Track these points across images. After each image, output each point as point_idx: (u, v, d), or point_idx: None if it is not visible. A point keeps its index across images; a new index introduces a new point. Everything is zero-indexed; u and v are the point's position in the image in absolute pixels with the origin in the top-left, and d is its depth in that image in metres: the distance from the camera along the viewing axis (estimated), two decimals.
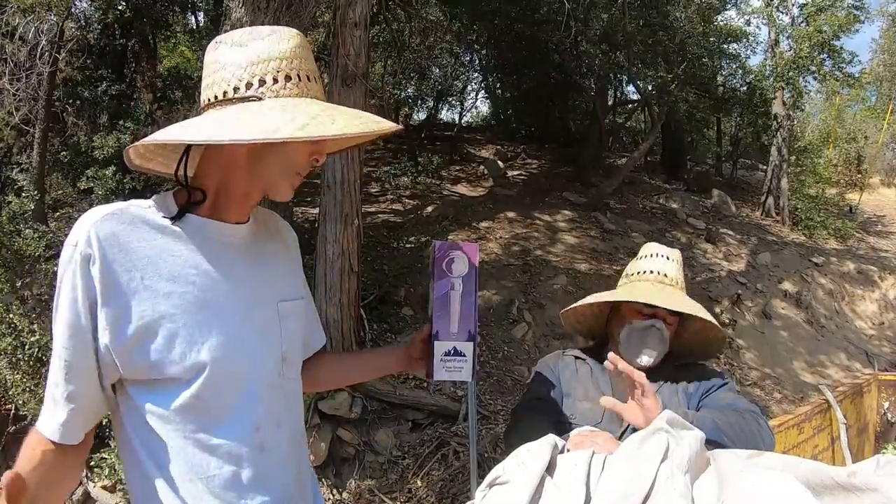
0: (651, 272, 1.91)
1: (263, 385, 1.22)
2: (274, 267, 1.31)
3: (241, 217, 1.25)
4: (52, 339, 1.13)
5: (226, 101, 1.12)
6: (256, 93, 1.11)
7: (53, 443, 1.15)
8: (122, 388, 1.16)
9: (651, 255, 1.95)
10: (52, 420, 1.14)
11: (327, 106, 1.13)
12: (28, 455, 1.15)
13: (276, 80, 1.12)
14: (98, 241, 1.06)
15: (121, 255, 1.08)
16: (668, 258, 1.92)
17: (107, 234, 1.07)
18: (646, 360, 1.82)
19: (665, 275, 1.89)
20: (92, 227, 1.07)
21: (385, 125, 1.13)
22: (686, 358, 1.95)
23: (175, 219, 1.15)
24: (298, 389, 1.37)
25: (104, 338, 1.09)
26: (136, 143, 1.12)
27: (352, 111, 1.14)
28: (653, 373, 1.88)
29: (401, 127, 1.20)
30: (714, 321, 1.82)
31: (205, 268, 1.16)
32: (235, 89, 1.12)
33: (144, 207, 1.15)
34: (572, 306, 1.98)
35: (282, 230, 1.42)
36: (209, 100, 1.15)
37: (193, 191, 1.18)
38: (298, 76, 1.14)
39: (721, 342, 1.96)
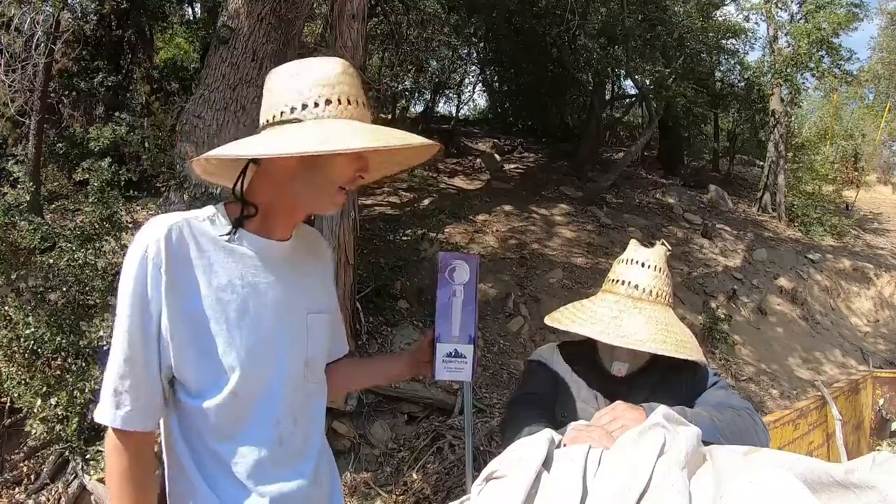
0: (623, 283, 1.85)
1: (287, 385, 1.36)
2: (307, 281, 1.45)
3: (285, 234, 1.39)
4: (111, 334, 1.26)
5: (274, 123, 1.27)
6: (299, 115, 1.24)
7: (134, 433, 1.27)
8: (171, 391, 1.31)
9: (628, 262, 1.88)
10: (120, 410, 1.25)
11: (360, 124, 1.25)
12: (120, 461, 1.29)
13: (316, 104, 1.24)
14: (168, 249, 1.22)
15: (184, 263, 1.25)
16: (643, 265, 1.85)
17: (174, 243, 1.23)
18: (616, 370, 1.84)
19: (636, 286, 1.82)
20: (162, 235, 1.22)
21: (413, 140, 1.24)
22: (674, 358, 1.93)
23: (229, 234, 1.30)
24: (321, 392, 1.51)
25: (166, 332, 1.23)
26: (198, 158, 1.27)
27: (387, 129, 1.25)
28: (642, 375, 1.88)
29: (438, 145, 1.32)
30: (672, 352, 1.71)
31: (248, 280, 1.31)
32: (282, 113, 1.26)
33: (201, 221, 1.30)
34: (552, 320, 1.91)
35: (320, 249, 1.57)
36: (263, 123, 1.30)
37: (247, 206, 1.32)
38: (339, 100, 1.26)
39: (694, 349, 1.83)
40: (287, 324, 1.36)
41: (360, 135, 1.20)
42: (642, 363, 1.85)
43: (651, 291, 1.81)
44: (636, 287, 1.82)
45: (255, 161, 1.33)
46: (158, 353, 1.25)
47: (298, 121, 1.24)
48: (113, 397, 1.25)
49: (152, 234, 1.23)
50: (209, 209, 1.34)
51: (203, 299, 1.26)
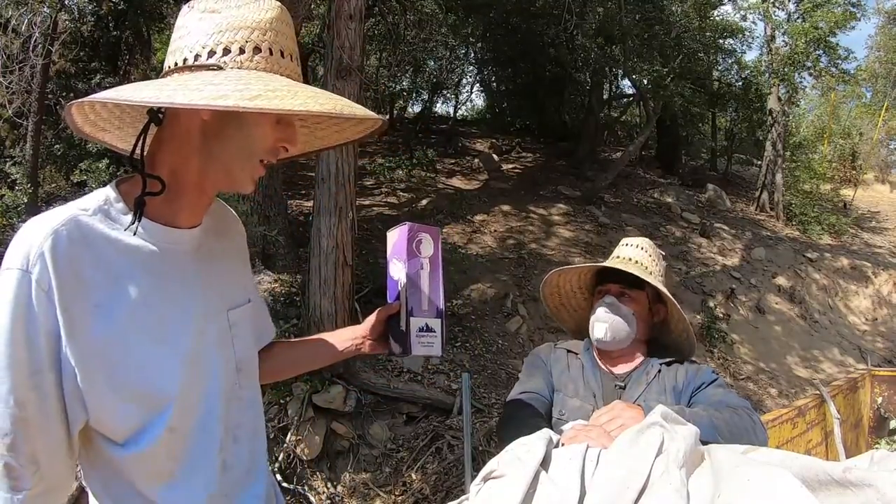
0: (613, 258, 2.01)
1: (222, 400, 1.14)
2: (224, 272, 1.20)
3: (195, 219, 1.12)
4: None
5: (184, 68, 0.99)
6: (218, 61, 0.98)
7: None
8: (88, 441, 1.06)
9: (618, 246, 2.06)
10: (18, 494, 0.96)
11: (293, 83, 1.00)
12: None
13: (242, 51, 0.99)
14: (55, 264, 0.92)
15: (79, 281, 0.95)
16: (627, 245, 2.02)
17: (62, 255, 0.93)
18: (597, 332, 1.88)
19: (619, 256, 1.98)
20: (46, 246, 0.92)
21: (358, 110, 1.00)
22: (672, 354, 1.95)
23: (132, 226, 1.01)
24: (257, 397, 1.27)
25: (71, 379, 0.96)
26: (80, 102, 0.99)
27: (324, 92, 1.01)
28: (640, 373, 1.88)
29: (380, 117, 1.09)
30: (654, 282, 1.89)
31: (163, 288, 1.05)
32: (196, 56, 0.99)
33: (91, 215, 0.99)
34: (547, 278, 2.10)
35: (231, 223, 1.30)
36: (169, 67, 1.02)
37: (151, 179, 1.02)
38: (270, 50, 1.01)
39: (686, 330, 1.99)
40: (211, 331, 1.12)
41: (302, 97, 0.93)
42: (622, 335, 1.89)
43: (636, 260, 1.95)
44: (618, 257, 1.99)
45: (156, 120, 1.05)
46: (63, 406, 0.96)
47: (219, 68, 0.97)
48: (4, 478, 0.94)
49: (32, 247, 0.92)
50: (97, 196, 1.03)
51: (114, 325, 0.97)
